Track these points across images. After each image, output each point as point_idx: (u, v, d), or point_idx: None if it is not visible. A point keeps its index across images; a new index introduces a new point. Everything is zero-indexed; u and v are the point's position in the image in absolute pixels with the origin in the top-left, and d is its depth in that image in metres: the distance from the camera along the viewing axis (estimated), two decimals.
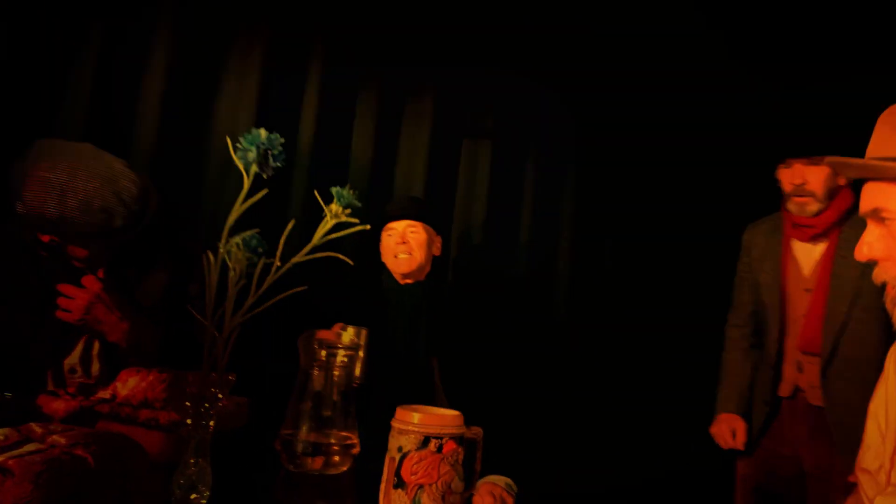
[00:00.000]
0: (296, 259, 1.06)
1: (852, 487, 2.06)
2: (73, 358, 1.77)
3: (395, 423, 1.17)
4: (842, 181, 2.20)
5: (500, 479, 2.05)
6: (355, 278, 2.31)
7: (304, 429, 1.52)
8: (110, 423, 1.43)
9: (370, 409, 1.61)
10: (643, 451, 3.19)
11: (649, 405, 3.19)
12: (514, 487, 2.16)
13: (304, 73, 2.76)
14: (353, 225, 1.03)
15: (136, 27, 2.36)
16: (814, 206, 2.21)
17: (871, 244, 1.03)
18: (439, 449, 1.13)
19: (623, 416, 3.19)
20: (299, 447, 1.50)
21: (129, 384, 1.49)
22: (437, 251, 2.42)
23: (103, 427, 1.42)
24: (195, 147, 2.46)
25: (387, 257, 2.34)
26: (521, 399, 2.52)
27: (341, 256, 1.00)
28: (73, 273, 1.76)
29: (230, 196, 1.56)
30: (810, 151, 2.18)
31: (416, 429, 1.14)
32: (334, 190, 1.04)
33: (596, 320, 3.43)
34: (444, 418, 1.15)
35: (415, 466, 1.12)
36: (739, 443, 2.35)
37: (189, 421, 1.12)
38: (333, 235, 1.05)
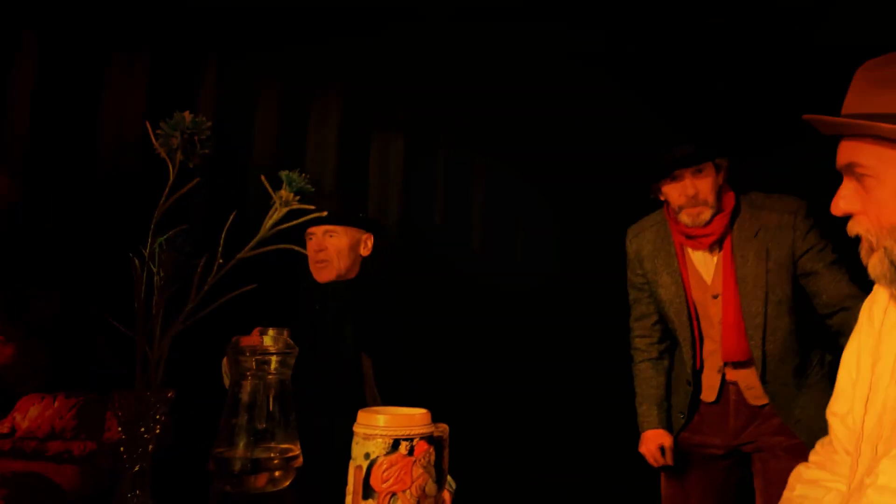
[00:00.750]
0: (241, 254, 0.94)
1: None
2: None
3: (358, 429, 1.06)
4: (721, 181, 2.13)
5: None
6: (274, 276, 2.17)
7: (241, 445, 1.39)
8: (12, 462, 1.23)
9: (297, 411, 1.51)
10: (585, 442, 3.22)
11: (585, 393, 3.23)
12: (453, 484, 2.10)
13: (198, 69, 2.57)
14: (307, 212, 0.92)
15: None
16: (708, 214, 2.11)
17: (846, 198, 1.05)
18: (410, 451, 1.04)
19: (559, 402, 3.22)
20: (237, 465, 1.36)
21: (30, 414, 1.29)
22: (365, 251, 2.27)
23: (4, 466, 1.22)
24: (80, 144, 2.22)
25: (310, 262, 2.21)
26: (456, 393, 2.46)
27: (295, 247, 0.89)
28: None
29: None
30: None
31: (384, 432, 1.04)
32: (284, 174, 0.93)
33: (511, 305, 3.44)
34: (413, 418, 1.06)
35: (385, 473, 1.02)
36: (669, 458, 2.24)
37: (123, 449, 0.97)
38: (285, 225, 0.93)
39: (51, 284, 1.68)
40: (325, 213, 0.90)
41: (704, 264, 2.21)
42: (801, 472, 1.31)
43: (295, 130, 2.91)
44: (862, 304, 1.89)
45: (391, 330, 2.22)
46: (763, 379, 2.12)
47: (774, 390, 2.12)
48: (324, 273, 2.19)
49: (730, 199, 2.14)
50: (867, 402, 1.12)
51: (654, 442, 2.25)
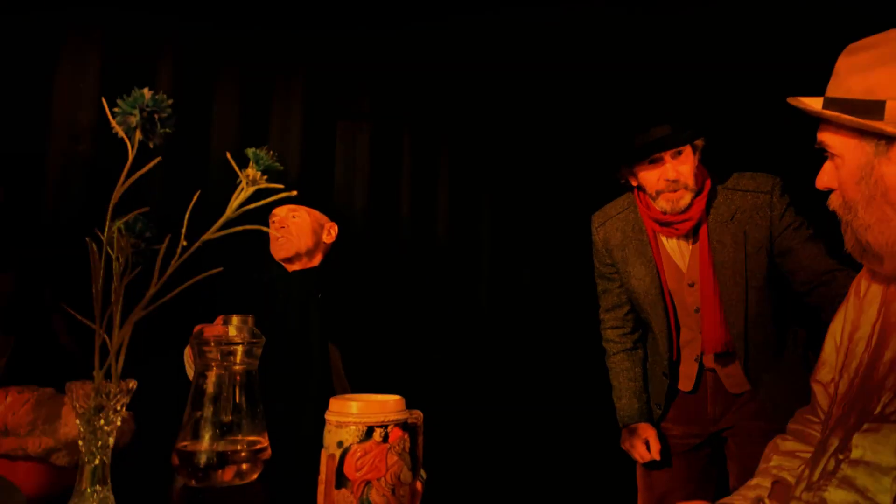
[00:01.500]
0: (207, 236, 0.90)
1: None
2: None
3: (331, 416, 1.03)
4: (697, 161, 2.00)
5: None
6: (238, 265, 2.12)
7: (207, 438, 1.35)
8: None
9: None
10: (560, 429, 3.22)
11: (559, 380, 3.23)
12: (424, 474, 2.09)
13: (154, 60, 2.50)
14: (277, 191, 0.88)
15: None
16: (688, 198, 1.97)
17: (827, 173, 1.13)
18: (385, 438, 1.01)
19: (532, 389, 3.22)
20: (202, 459, 1.32)
21: None
22: (328, 238, 2.27)
23: None
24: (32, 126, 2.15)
25: (271, 245, 2.18)
26: (427, 381, 2.44)
27: (262, 228, 0.85)
28: None
29: None
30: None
31: (357, 419, 1.01)
32: (250, 151, 0.89)
33: (479, 294, 3.44)
34: (386, 404, 1.04)
35: (359, 461, 0.99)
36: (655, 452, 2.12)
37: (81, 443, 0.92)
38: (253, 205, 0.89)
39: (3, 268, 1.61)
40: (294, 193, 0.86)
41: (679, 252, 2.09)
42: (777, 443, 1.35)
43: (257, 120, 2.86)
44: (839, 277, 1.95)
45: (358, 319, 2.20)
46: (746, 367, 2.04)
47: (757, 377, 2.05)
48: (283, 248, 2.15)
49: (706, 181, 2.02)
50: (842, 368, 1.17)
51: (638, 437, 2.15)
